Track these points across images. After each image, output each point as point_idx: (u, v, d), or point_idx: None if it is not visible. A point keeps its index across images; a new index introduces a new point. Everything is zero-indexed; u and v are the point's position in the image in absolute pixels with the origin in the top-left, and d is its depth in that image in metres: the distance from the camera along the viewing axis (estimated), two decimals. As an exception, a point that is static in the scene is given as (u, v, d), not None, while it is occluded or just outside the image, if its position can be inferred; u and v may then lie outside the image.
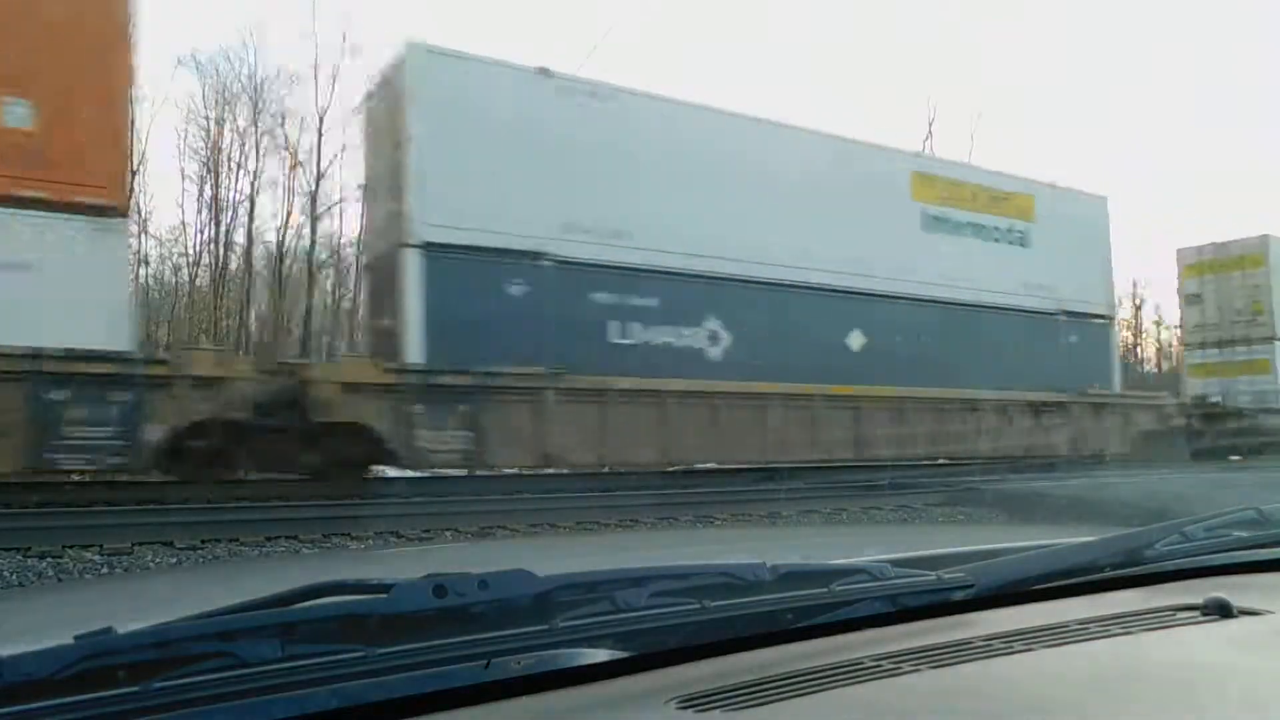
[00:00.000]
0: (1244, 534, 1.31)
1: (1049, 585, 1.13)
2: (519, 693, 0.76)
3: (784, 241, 11.60)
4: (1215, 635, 0.97)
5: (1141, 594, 1.15)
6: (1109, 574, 1.18)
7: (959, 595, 1.05)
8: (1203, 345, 19.38)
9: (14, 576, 5.73)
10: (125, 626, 0.71)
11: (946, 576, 1.05)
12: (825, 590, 0.97)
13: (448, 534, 7.65)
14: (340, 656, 0.73)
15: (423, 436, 9.14)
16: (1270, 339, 18.37)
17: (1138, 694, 0.82)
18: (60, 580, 5.76)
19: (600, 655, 0.82)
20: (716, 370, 11.01)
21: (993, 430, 13.01)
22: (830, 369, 11.71)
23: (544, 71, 10.50)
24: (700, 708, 0.74)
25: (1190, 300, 19.83)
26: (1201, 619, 1.01)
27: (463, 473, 11.52)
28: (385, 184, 10.35)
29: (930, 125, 32.47)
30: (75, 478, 10.02)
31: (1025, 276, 14.12)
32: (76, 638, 0.68)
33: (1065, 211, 14.79)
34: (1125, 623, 1.00)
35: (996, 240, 14.09)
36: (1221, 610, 1.02)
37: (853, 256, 12.12)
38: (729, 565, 0.96)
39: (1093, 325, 15.07)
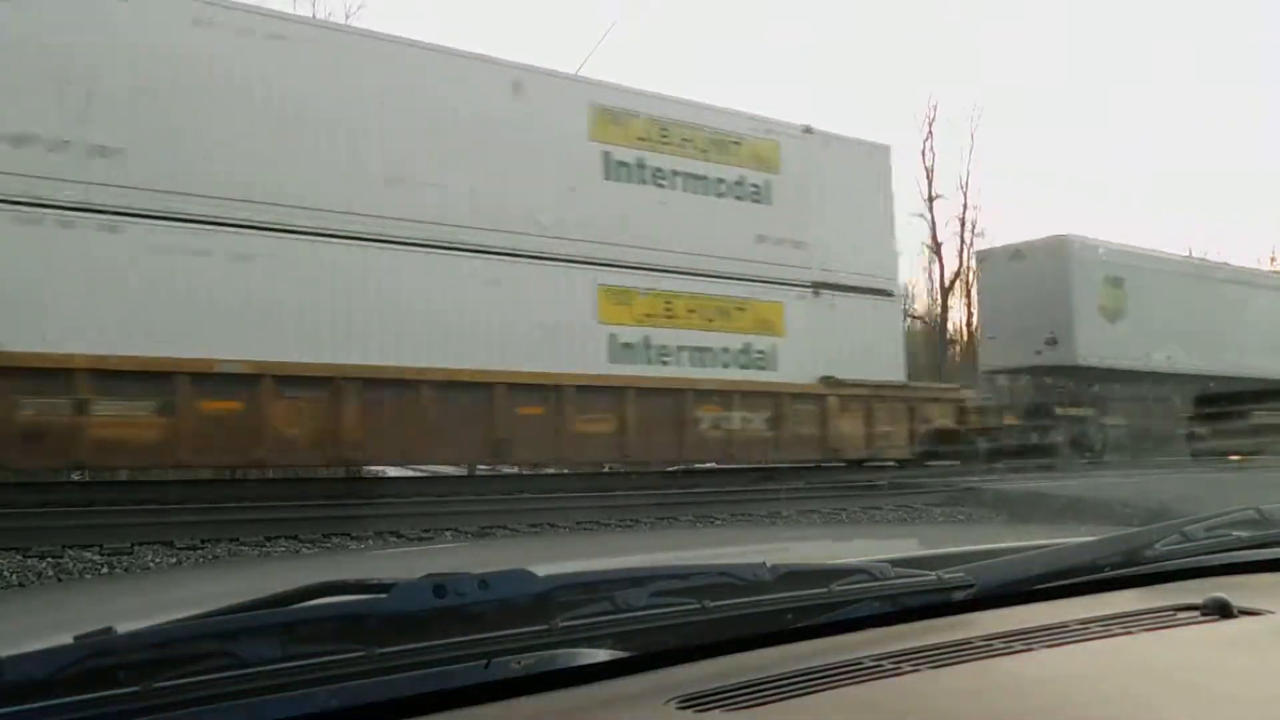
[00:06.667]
0: (1244, 534, 1.30)
1: (1049, 585, 1.13)
2: (519, 693, 0.76)
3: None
4: (1215, 635, 0.97)
5: (1141, 594, 1.15)
6: (1109, 574, 1.18)
7: (959, 595, 1.05)
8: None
9: (14, 576, 5.74)
10: (125, 626, 0.71)
11: (946, 576, 1.05)
12: (825, 590, 0.97)
13: (448, 534, 7.65)
14: (340, 656, 0.73)
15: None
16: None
17: (1138, 694, 0.82)
18: (60, 580, 5.77)
19: (600, 655, 0.82)
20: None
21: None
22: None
23: None
24: (700, 708, 0.74)
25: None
26: (1201, 619, 1.01)
27: (463, 472, 11.57)
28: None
29: (930, 124, 32.49)
30: (75, 477, 10.03)
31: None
32: (76, 638, 0.68)
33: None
34: (1125, 623, 0.99)
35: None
36: (1221, 610, 1.01)
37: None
38: (729, 565, 0.96)
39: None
